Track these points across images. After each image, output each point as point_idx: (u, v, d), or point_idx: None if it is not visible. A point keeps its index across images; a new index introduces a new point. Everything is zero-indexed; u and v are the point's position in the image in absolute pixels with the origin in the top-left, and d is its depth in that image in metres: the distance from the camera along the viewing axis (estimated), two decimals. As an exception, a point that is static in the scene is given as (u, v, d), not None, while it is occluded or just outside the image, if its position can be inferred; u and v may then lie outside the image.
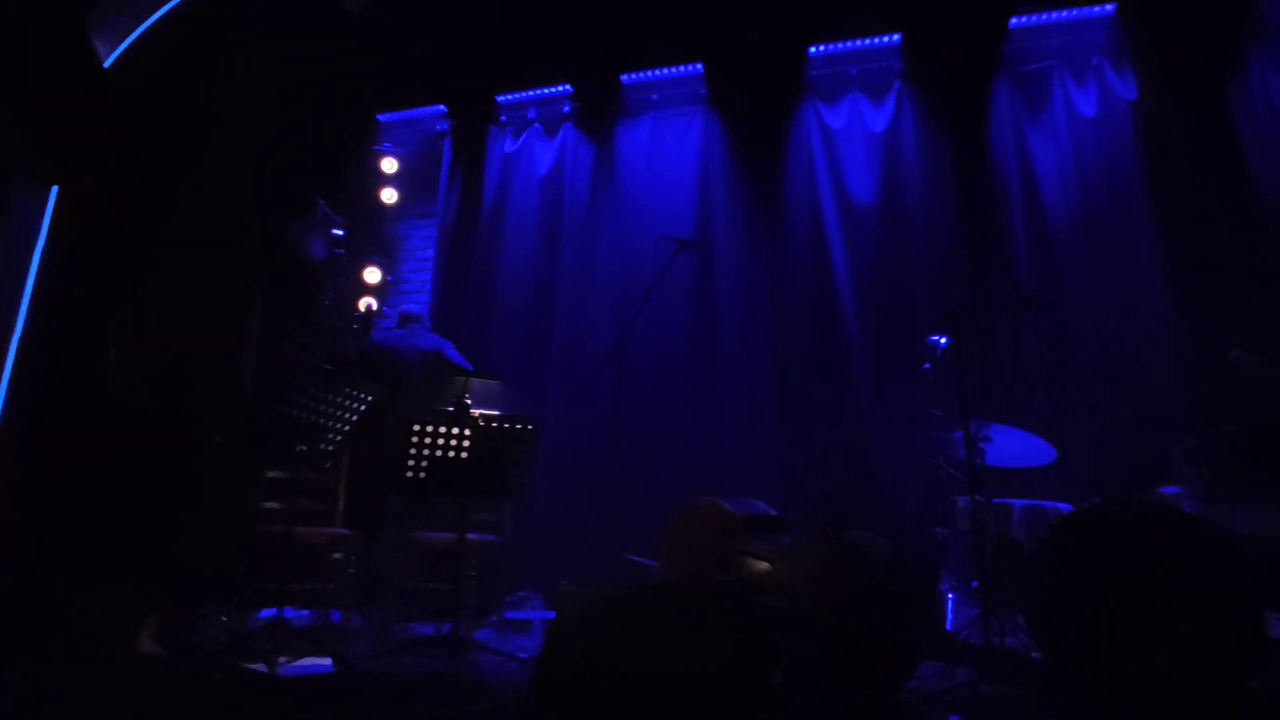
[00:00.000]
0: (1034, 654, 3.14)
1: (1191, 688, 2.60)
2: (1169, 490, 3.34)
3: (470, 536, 4.04)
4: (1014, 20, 5.12)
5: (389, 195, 6.36)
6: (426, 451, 3.47)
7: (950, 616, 3.78)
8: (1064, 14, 5.08)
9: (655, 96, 5.85)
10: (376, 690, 2.98)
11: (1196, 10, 4.76)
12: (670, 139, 5.75)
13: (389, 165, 6.37)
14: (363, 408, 3.73)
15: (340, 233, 5.74)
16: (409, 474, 3.42)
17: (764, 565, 3.26)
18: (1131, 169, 4.70)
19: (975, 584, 3.55)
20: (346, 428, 3.68)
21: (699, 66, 5.69)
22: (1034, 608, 2.90)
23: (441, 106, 6.32)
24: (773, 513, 3.55)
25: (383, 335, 5.45)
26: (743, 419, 5.00)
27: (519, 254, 5.81)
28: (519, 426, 3.59)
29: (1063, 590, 2.84)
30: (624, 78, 5.83)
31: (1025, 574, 2.98)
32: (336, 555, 4.36)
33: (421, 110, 6.38)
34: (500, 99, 6.15)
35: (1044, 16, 5.11)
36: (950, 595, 3.85)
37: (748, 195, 5.42)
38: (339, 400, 3.68)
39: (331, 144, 6.04)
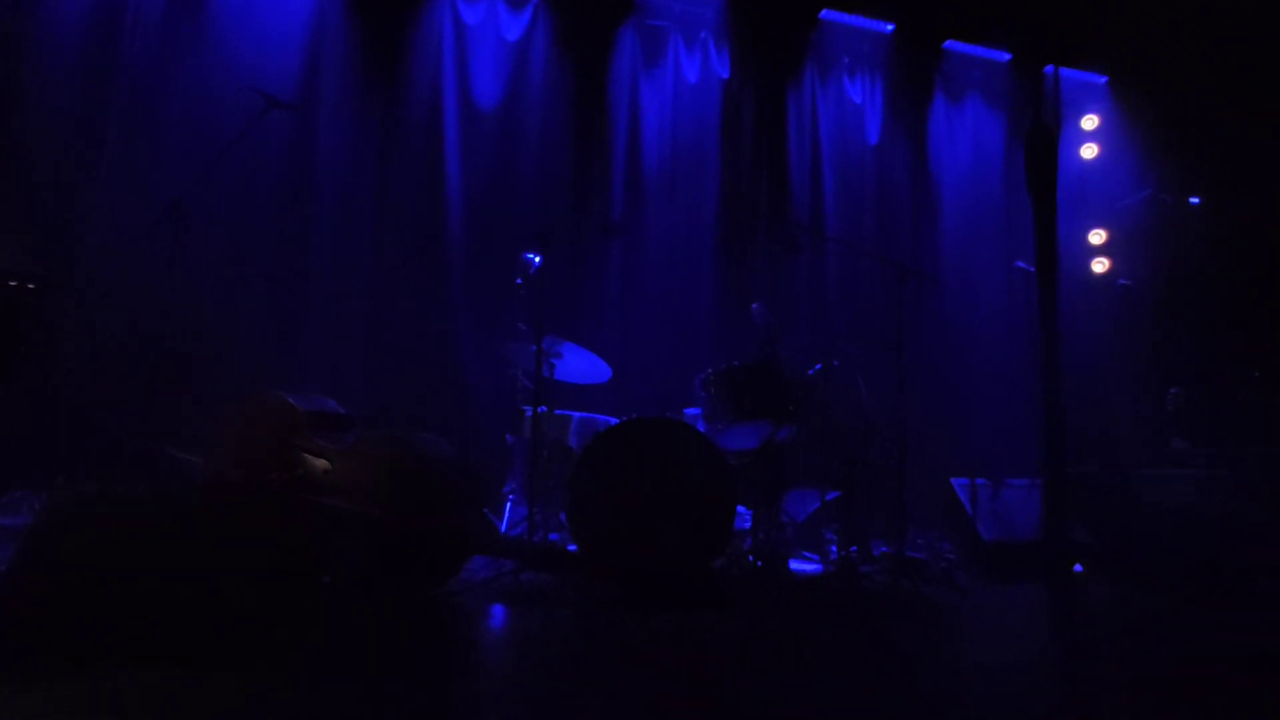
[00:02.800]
0: (571, 546, 3.58)
1: (681, 565, 3.20)
2: (690, 411, 3.99)
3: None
4: (650, -24, 5.50)
5: None
6: None
7: (507, 516, 4.11)
8: (685, -15, 5.58)
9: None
10: None
11: (778, 22, 5.76)
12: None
13: None
14: None
15: None
16: None
17: (324, 464, 3.17)
18: (713, 135, 5.51)
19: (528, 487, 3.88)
20: None
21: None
22: (573, 506, 3.29)
23: None
24: (342, 411, 3.45)
25: None
26: (333, 313, 4.78)
27: (54, 85, 4.61)
28: (11, 284, 2.90)
29: (595, 491, 3.26)
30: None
31: (570, 478, 3.34)
32: None
33: None
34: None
35: (671, -20, 5.56)
36: (510, 497, 4.18)
37: (364, 69, 5.03)
38: None
39: None
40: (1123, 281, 5.39)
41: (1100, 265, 5.83)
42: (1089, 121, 6.02)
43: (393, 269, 4.92)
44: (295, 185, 4.83)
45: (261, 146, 4.55)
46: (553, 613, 2.98)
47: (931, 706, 1.92)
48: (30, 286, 2.91)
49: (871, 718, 1.73)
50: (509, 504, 4.14)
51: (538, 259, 3.72)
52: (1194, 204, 5.52)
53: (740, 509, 3.71)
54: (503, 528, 4.06)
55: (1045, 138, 1.54)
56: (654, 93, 5.53)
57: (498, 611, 2.97)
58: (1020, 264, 4.67)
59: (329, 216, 4.87)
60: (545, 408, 3.87)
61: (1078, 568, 3.88)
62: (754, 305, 3.86)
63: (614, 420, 3.76)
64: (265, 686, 1.86)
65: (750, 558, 3.58)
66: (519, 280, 3.90)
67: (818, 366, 3.84)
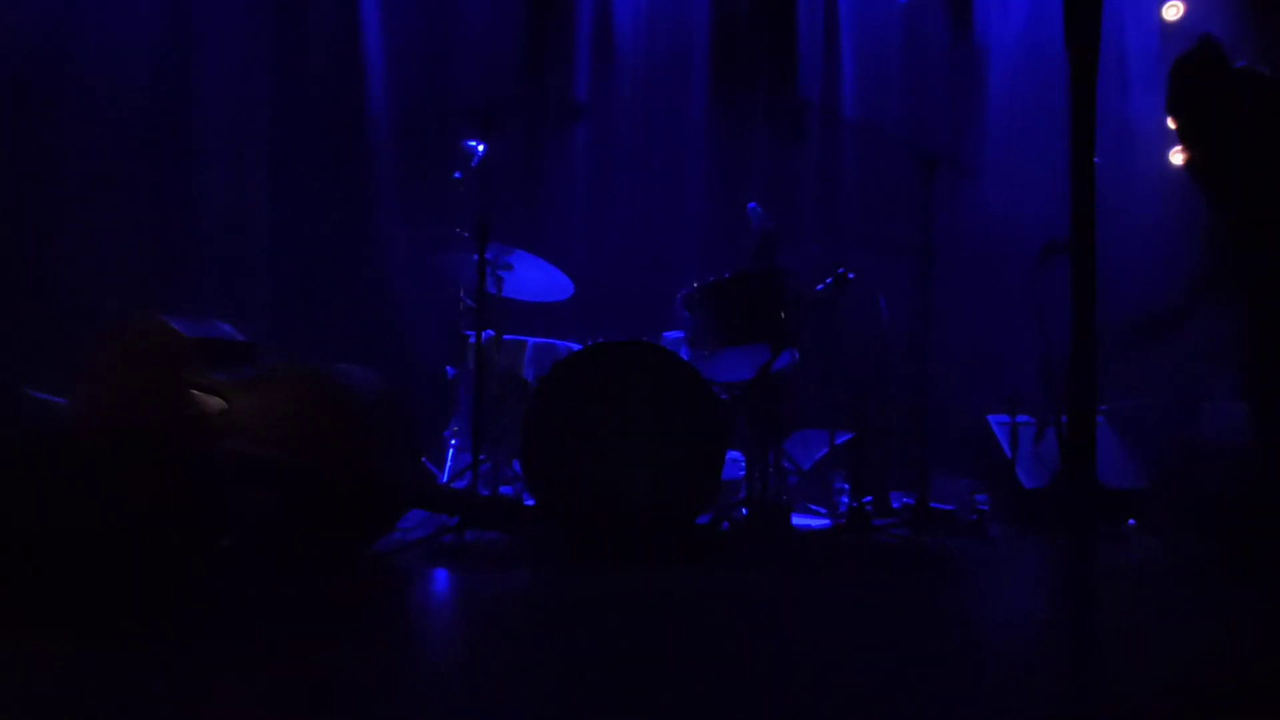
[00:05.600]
0: (528, 499, 3.64)
1: (659, 520, 3.28)
2: (671, 335, 4.01)
3: None
4: None
5: None
6: None
7: (449, 463, 4.16)
8: None
9: None
10: None
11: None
12: None
13: None
14: None
15: None
16: None
17: (219, 402, 3.18)
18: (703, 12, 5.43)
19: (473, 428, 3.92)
20: None
21: None
22: (528, 451, 3.32)
23: None
24: (240, 338, 3.45)
25: None
26: (225, 219, 4.75)
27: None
28: None
29: (555, 432, 3.31)
30: None
31: (524, 416, 3.37)
32: None
33: None
34: None
35: None
36: (453, 441, 4.23)
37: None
38: None
39: None
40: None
41: (1181, 157, 5.84)
42: (1172, -29, 5.92)
43: (297, 163, 4.89)
44: (173, 64, 4.70)
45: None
46: (505, 577, 3.04)
47: (930, 668, 2.00)
48: None
49: (871, 693, 1.81)
50: (451, 449, 4.20)
51: (481, 147, 3.68)
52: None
53: (731, 453, 3.77)
54: (444, 478, 4.11)
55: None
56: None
57: (439, 576, 3.02)
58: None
59: (216, 104, 4.78)
60: (492, 332, 3.90)
61: (1130, 521, 4.01)
62: (750, 205, 3.87)
63: (577, 346, 3.78)
64: (139, 666, 1.88)
65: (743, 511, 3.67)
66: (457, 174, 3.87)
67: (827, 280, 3.87)
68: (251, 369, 3.29)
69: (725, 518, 3.67)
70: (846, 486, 4.24)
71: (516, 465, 3.77)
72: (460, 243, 3.90)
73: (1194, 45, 3.27)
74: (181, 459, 2.96)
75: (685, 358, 3.58)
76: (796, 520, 3.99)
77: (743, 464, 3.80)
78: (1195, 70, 3.25)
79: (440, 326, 4.56)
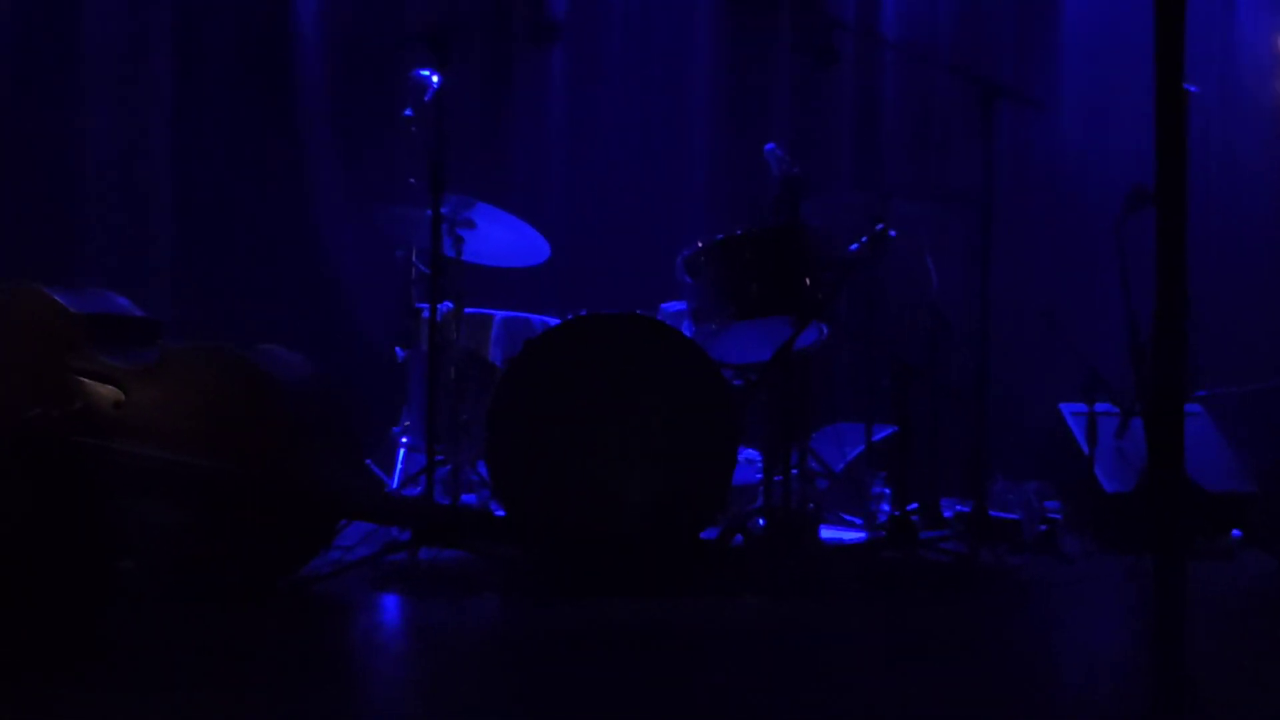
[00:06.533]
0: (496, 509, 3.62)
1: (656, 535, 3.27)
2: (671, 306, 4.00)
3: None
4: None
5: None
6: None
7: (399, 466, 4.18)
8: None
9: None
10: None
11: None
12: None
13: None
14: None
15: None
16: None
17: (115, 392, 3.15)
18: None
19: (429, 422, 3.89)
20: None
21: None
22: (496, 450, 3.32)
23: None
24: (138, 313, 3.43)
25: None
26: (118, 170, 4.75)
27: None
28: None
29: (529, 426, 3.29)
30: None
31: (491, 408, 3.35)
32: None
33: None
34: None
35: None
36: (404, 439, 4.24)
37: None
38: None
39: None
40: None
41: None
42: None
43: (207, 101, 4.87)
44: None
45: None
46: (468, 608, 3.04)
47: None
48: None
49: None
50: (402, 449, 4.21)
51: (435, 78, 3.66)
52: None
53: (746, 452, 3.77)
54: (393, 484, 4.12)
55: None
56: None
57: (387, 606, 3.03)
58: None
59: (103, 23, 4.73)
60: (451, 304, 3.88)
61: (1236, 533, 3.99)
62: (768, 146, 3.84)
63: (554, 321, 3.76)
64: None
65: (760, 523, 3.65)
66: (407, 111, 3.85)
67: (863, 238, 3.84)
68: (153, 352, 3.26)
69: (738, 531, 3.66)
70: (887, 492, 4.23)
71: (482, 468, 3.77)
72: (411, 195, 3.88)
73: None
74: (67, 464, 2.97)
75: (688, 334, 3.57)
76: (826, 534, 3.98)
77: (759, 465, 3.79)
78: None
79: (386, 298, 4.53)
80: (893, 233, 3.84)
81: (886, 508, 4.08)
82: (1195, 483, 4.05)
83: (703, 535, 3.45)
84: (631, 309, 3.50)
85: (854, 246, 3.86)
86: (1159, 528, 1.68)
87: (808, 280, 3.60)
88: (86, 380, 3.19)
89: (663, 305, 4.07)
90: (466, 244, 3.96)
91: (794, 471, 3.68)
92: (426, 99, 3.70)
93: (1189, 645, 1.66)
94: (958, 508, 4.03)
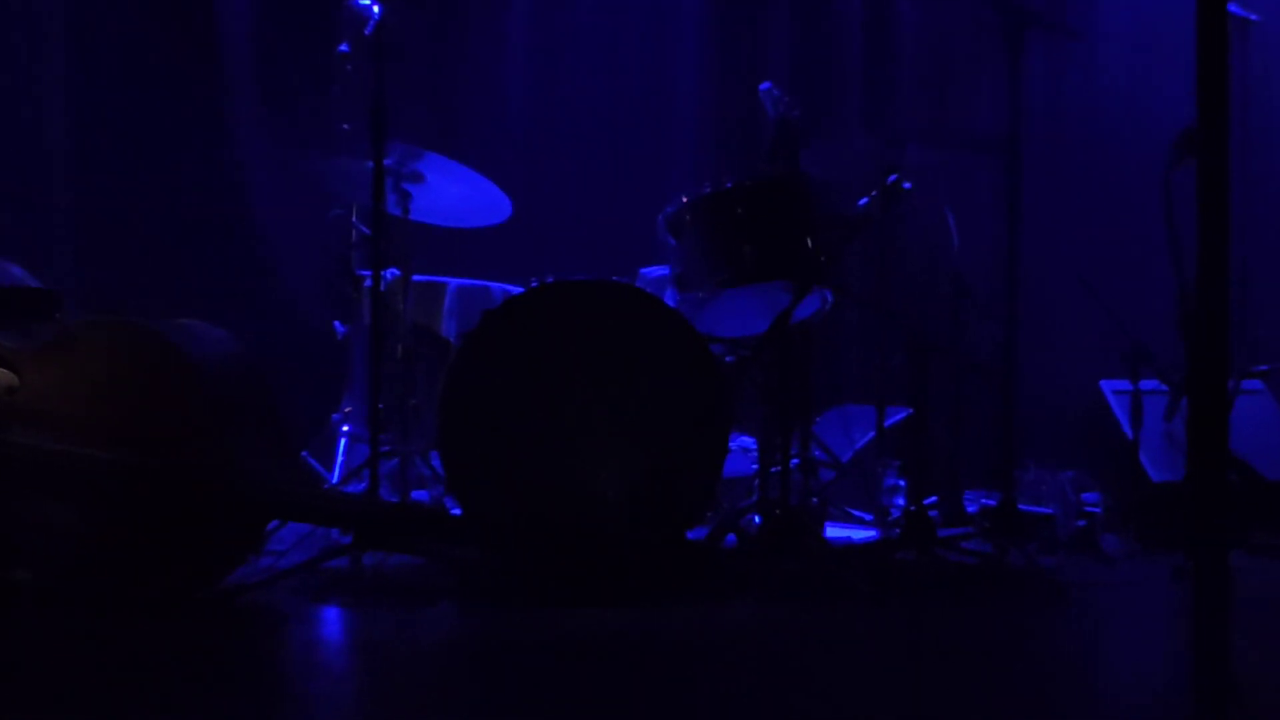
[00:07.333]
0: (451, 506, 3.65)
1: (635, 534, 3.29)
2: (651, 271, 4.04)
3: None
4: None
5: None
6: None
7: (340, 458, 4.21)
8: None
9: None
10: None
11: None
12: None
13: None
14: None
15: None
16: None
17: (9, 375, 3.16)
18: None
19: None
20: None
21: None
22: (450, 439, 3.34)
23: None
24: (34, 284, 3.43)
25: None
26: (5, 119, 4.71)
27: None
28: None
29: (488, 411, 3.31)
30: None
31: (444, 389, 3.38)
32: None
33: None
34: None
35: None
36: (345, 427, 4.28)
37: None
38: None
39: None
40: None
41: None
42: None
43: (109, 37, 4.85)
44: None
45: None
46: (420, 619, 3.06)
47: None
48: None
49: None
50: (342, 439, 4.24)
51: (375, 7, 3.65)
52: None
53: (739, 439, 3.81)
54: (333, 479, 4.15)
55: None
56: None
57: (328, 617, 3.04)
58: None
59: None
60: (398, 271, 3.90)
61: None
62: (763, 86, 3.84)
63: (517, 289, 3.78)
64: None
65: (756, 519, 3.68)
66: (343, 46, 3.87)
67: (873, 191, 3.87)
68: (51, 328, 3.26)
69: (731, 529, 3.70)
70: (902, 484, 4.28)
71: (435, 459, 3.78)
72: (349, 144, 3.89)
73: None
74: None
75: (672, 303, 3.60)
76: (831, 532, 4.02)
77: (755, 453, 3.82)
78: None
79: (323, 264, 4.57)
80: (907, 185, 3.87)
81: (901, 502, 4.15)
82: (1253, 469, 4.14)
83: (690, 535, 3.48)
84: (606, 275, 3.51)
85: (863, 201, 3.90)
86: (1197, 521, 1.71)
87: (809, 240, 3.59)
88: (-27, 362, 3.22)
89: (642, 270, 4.11)
90: (414, 201, 3.98)
91: (794, 461, 3.71)
92: (366, 32, 3.68)
93: (1240, 655, 1.66)
94: (983, 501, 4.08)
